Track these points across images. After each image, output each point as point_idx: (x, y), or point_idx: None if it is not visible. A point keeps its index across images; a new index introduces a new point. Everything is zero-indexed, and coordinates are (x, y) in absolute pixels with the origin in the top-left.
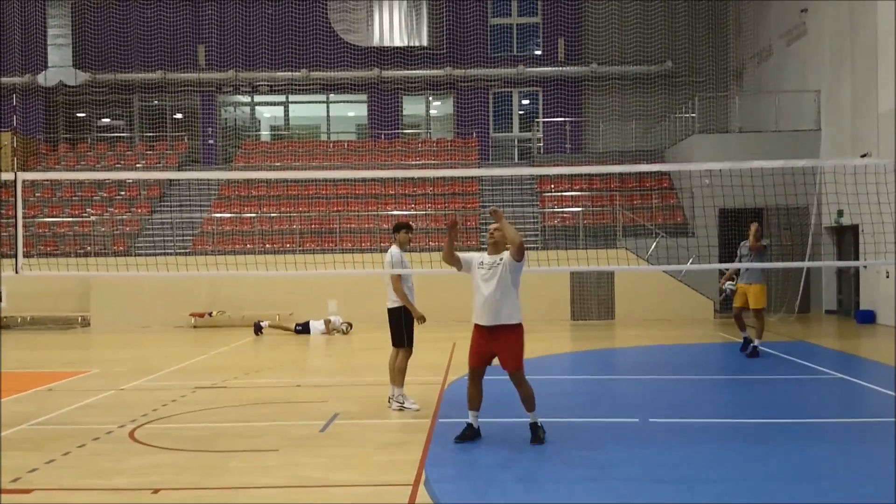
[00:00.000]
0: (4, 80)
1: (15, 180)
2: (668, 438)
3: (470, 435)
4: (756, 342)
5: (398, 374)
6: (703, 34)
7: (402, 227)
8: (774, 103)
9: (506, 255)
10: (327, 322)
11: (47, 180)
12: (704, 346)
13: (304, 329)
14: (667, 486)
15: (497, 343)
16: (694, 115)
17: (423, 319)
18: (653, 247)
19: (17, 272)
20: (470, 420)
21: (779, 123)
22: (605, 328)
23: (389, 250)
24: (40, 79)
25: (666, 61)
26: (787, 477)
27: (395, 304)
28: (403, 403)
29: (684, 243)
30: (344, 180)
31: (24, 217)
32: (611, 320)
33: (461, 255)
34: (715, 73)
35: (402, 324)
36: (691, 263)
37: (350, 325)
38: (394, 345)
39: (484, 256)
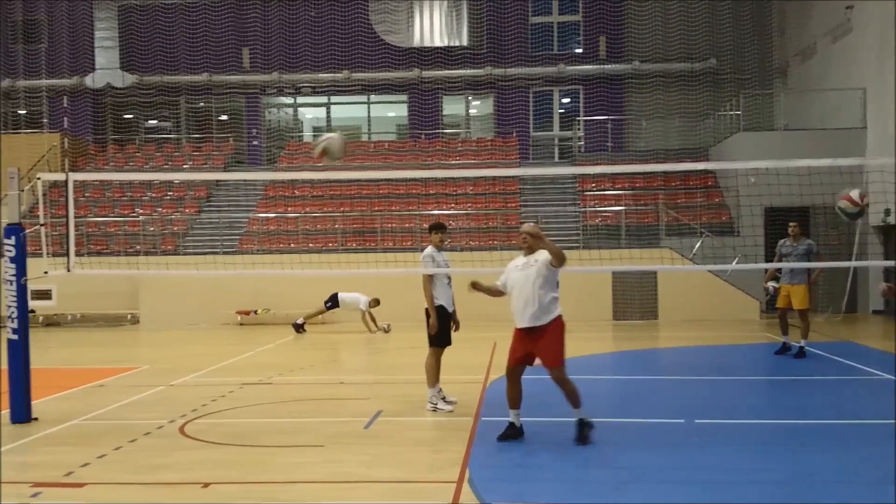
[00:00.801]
0: (54, 82)
1: (66, 180)
2: (714, 440)
3: (512, 434)
4: (802, 343)
5: (429, 374)
6: (747, 31)
7: (435, 227)
8: (819, 101)
9: (541, 255)
10: (373, 302)
11: (97, 181)
12: (750, 347)
13: (333, 303)
14: (712, 488)
15: (536, 343)
16: (738, 112)
17: (434, 328)
18: (697, 246)
19: (68, 270)
20: (511, 419)
21: (824, 121)
22: (647, 328)
23: (425, 250)
24: (88, 81)
25: (710, 58)
26: (833, 479)
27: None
28: (437, 405)
29: (730, 242)
30: (385, 180)
31: (74, 217)
32: (654, 320)
33: (498, 283)
34: (759, 71)
35: (439, 323)
36: (736, 263)
37: (389, 325)
38: (430, 345)
39: (518, 260)
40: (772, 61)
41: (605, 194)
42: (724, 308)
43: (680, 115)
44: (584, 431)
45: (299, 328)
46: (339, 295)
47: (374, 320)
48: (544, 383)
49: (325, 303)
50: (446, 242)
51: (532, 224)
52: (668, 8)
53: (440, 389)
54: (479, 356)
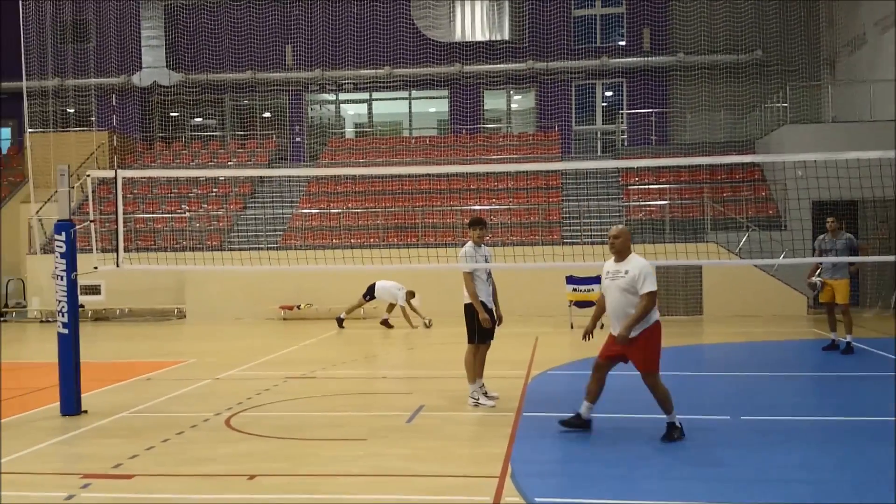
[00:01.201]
0: (102, 80)
1: (115, 177)
2: (760, 437)
3: (577, 424)
4: (848, 338)
5: (469, 369)
6: (794, 22)
7: (474, 223)
8: (869, 92)
9: (631, 268)
10: (409, 294)
11: (145, 178)
12: (797, 343)
13: (370, 294)
14: (758, 486)
15: (629, 348)
16: (785, 104)
17: (487, 322)
18: (743, 240)
19: (117, 266)
20: (582, 410)
21: (873, 113)
22: (693, 324)
23: (464, 246)
24: (135, 79)
25: (756, 50)
26: (881, 478)
27: (469, 300)
28: (479, 400)
29: (777, 237)
30: (426, 176)
31: (122, 213)
32: (699, 316)
33: (600, 292)
34: (807, 62)
35: (475, 320)
36: (784, 257)
37: (431, 321)
38: (469, 341)
39: (610, 264)
40: (819, 52)
41: (649, 188)
42: (770, 303)
43: (725, 107)
44: (671, 433)
45: (341, 323)
46: (376, 285)
47: (417, 313)
48: (606, 380)
49: (364, 295)
50: (487, 238)
51: (620, 227)
52: None
53: (482, 385)
54: (520, 352)
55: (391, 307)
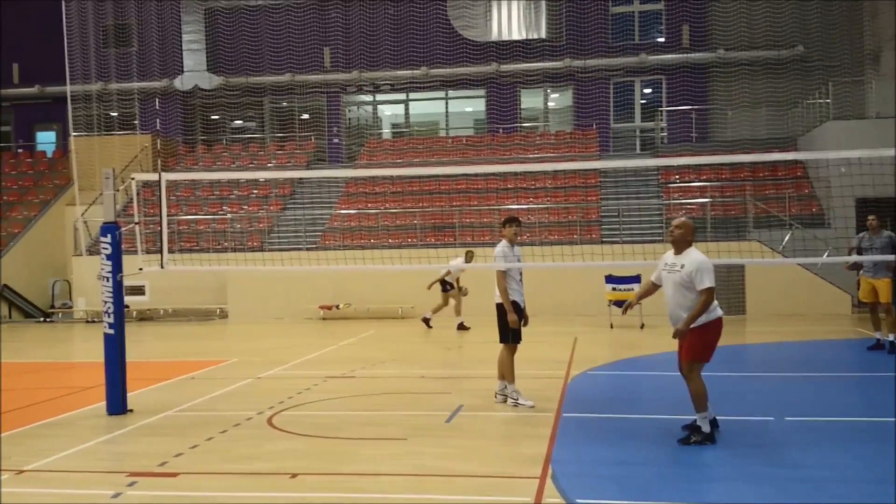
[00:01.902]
0: (145, 84)
1: (159, 180)
2: (804, 437)
3: (697, 439)
4: (891, 337)
5: (507, 370)
6: (836, 16)
7: (509, 221)
8: None
9: (688, 262)
10: (469, 255)
11: (187, 180)
12: (841, 343)
13: (448, 286)
14: (802, 486)
15: (682, 340)
16: (828, 100)
17: (515, 323)
18: (786, 238)
19: (162, 267)
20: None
21: None
22: (735, 323)
23: (497, 245)
24: (177, 83)
25: (797, 45)
26: None
27: (501, 300)
28: (518, 400)
29: (820, 234)
30: (463, 175)
31: (166, 215)
32: (741, 315)
33: (652, 277)
34: (850, 57)
35: (507, 320)
36: (827, 256)
37: (466, 289)
38: (500, 340)
39: (668, 255)
40: (863, 47)
41: (689, 186)
42: (814, 302)
43: (767, 104)
44: (689, 437)
45: (428, 322)
46: (450, 267)
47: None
48: (646, 378)
49: (443, 290)
50: (525, 237)
51: (684, 219)
52: None
53: (505, 386)
54: (559, 351)
55: (440, 307)
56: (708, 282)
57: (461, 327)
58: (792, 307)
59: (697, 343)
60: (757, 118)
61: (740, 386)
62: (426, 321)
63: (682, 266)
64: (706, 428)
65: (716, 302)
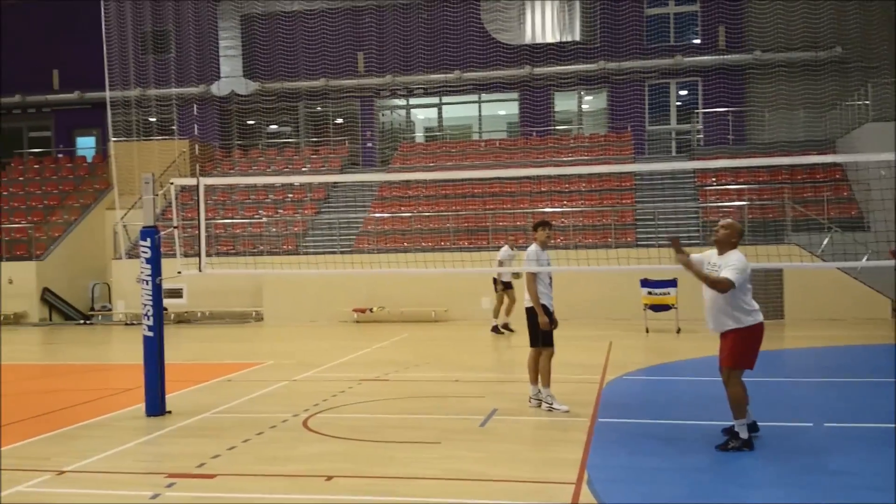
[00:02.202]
0: (182, 90)
1: (197, 185)
2: (843, 444)
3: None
4: None
5: (544, 375)
6: (875, 16)
7: (540, 224)
8: None
9: (725, 263)
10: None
11: (224, 184)
12: (880, 348)
13: (503, 285)
14: (840, 493)
15: (721, 343)
16: (867, 102)
17: (546, 325)
18: (825, 242)
19: (200, 270)
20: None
21: None
22: (773, 328)
23: (528, 248)
24: (214, 88)
25: (835, 46)
26: None
27: (531, 304)
28: (552, 405)
29: (860, 238)
30: (496, 179)
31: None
32: (780, 320)
33: (695, 256)
34: (889, 58)
35: (537, 324)
36: (867, 260)
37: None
38: (530, 344)
39: (713, 255)
40: None
41: (726, 189)
42: (853, 307)
43: (805, 105)
44: (728, 443)
45: (499, 329)
46: (499, 258)
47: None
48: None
49: (496, 288)
50: (559, 241)
51: (731, 220)
52: None
53: (539, 391)
54: (594, 356)
55: (504, 307)
56: (731, 274)
57: (496, 330)
58: (831, 311)
59: (736, 348)
60: (795, 120)
61: (778, 391)
62: (496, 329)
63: (720, 267)
64: (744, 434)
65: (756, 306)
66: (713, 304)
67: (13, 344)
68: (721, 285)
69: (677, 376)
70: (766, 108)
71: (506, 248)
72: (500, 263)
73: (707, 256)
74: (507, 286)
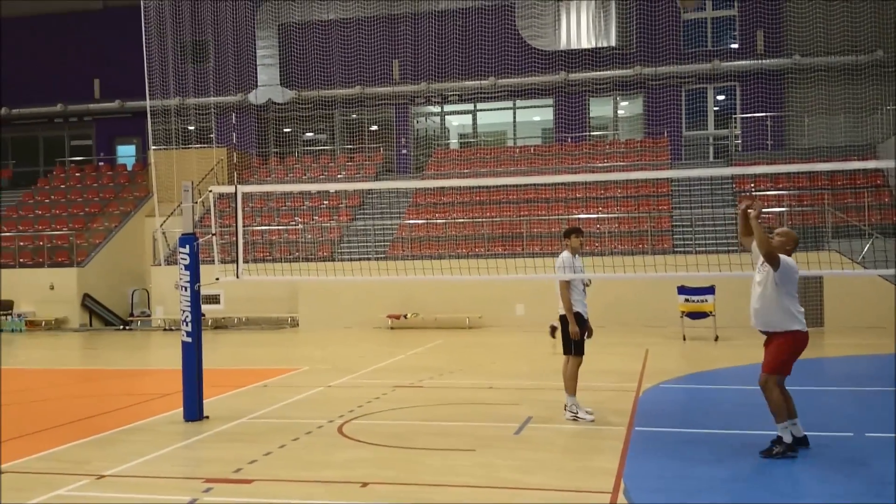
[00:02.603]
0: (220, 99)
1: (235, 192)
2: (886, 454)
3: (786, 450)
4: None
5: (569, 382)
6: None
7: (572, 231)
8: None
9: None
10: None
11: (261, 192)
12: None
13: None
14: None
15: (766, 349)
16: None
17: (576, 335)
18: (866, 248)
19: (237, 277)
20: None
21: None
22: (813, 336)
23: (560, 255)
24: (251, 97)
25: (876, 50)
26: None
27: (565, 311)
28: (577, 413)
29: None
30: (531, 185)
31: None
32: (820, 328)
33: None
34: None
35: (577, 330)
36: None
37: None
38: (563, 352)
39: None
40: None
41: (764, 195)
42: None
43: (845, 110)
44: (772, 449)
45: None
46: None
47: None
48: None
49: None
50: (595, 247)
51: (787, 229)
52: None
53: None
54: (630, 363)
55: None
56: (776, 265)
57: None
58: (872, 319)
59: (777, 353)
60: (834, 125)
61: (819, 400)
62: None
63: (765, 265)
64: (787, 438)
65: (802, 315)
66: (762, 300)
67: (54, 349)
68: (770, 248)
69: (715, 385)
70: (805, 112)
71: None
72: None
73: (757, 256)
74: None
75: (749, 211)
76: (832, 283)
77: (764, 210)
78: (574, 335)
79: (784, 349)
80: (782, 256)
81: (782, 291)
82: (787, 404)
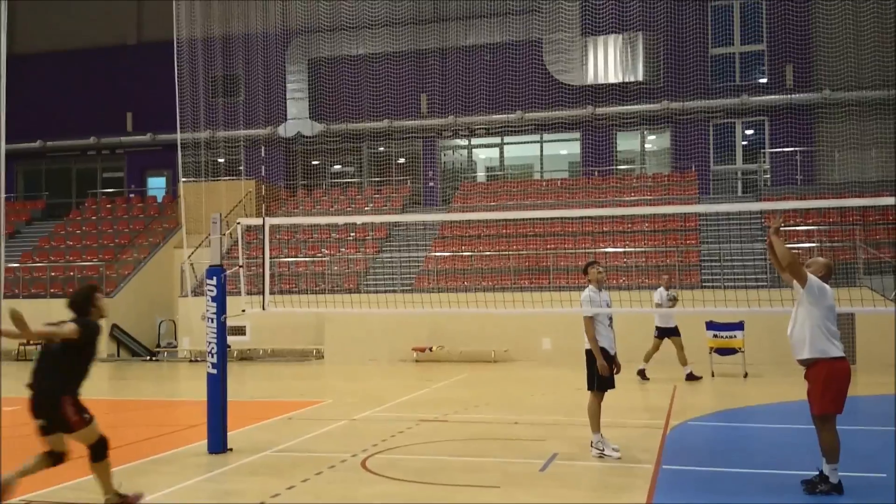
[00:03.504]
0: (250, 132)
1: (263, 224)
2: None
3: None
4: None
5: (592, 420)
6: None
7: (590, 265)
8: None
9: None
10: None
11: (289, 224)
12: None
13: (664, 334)
14: None
15: (807, 380)
16: None
17: (606, 369)
18: None
19: (263, 308)
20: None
21: None
22: None
23: (584, 291)
24: (281, 130)
25: None
26: None
27: (590, 346)
28: (604, 451)
29: None
30: (558, 218)
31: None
32: (852, 365)
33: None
34: None
35: (594, 367)
36: None
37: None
38: (587, 388)
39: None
40: None
41: (795, 230)
42: None
43: (877, 144)
44: (816, 485)
45: (644, 373)
46: (656, 301)
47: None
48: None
49: (658, 335)
50: (621, 281)
51: (820, 258)
52: (860, 32)
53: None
54: (658, 399)
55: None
56: (805, 280)
57: (691, 377)
58: None
59: (819, 389)
60: (866, 160)
61: (851, 440)
62: (641, 373)
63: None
64: (834, 479)
65: (836, 337)
66: (794, 322)
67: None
68: (792, 259)
69: (745, 423)
70: (835, 147)
71: (661, 289)
72: (658, 307)
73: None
74: (666, 333)
75: (769, 227)
76: (864, 320)
77: (794, 246)
78: (603, 370)
79: (821, 380)
80: (812, 276)
81: (815, 313)
82: (825, 444)
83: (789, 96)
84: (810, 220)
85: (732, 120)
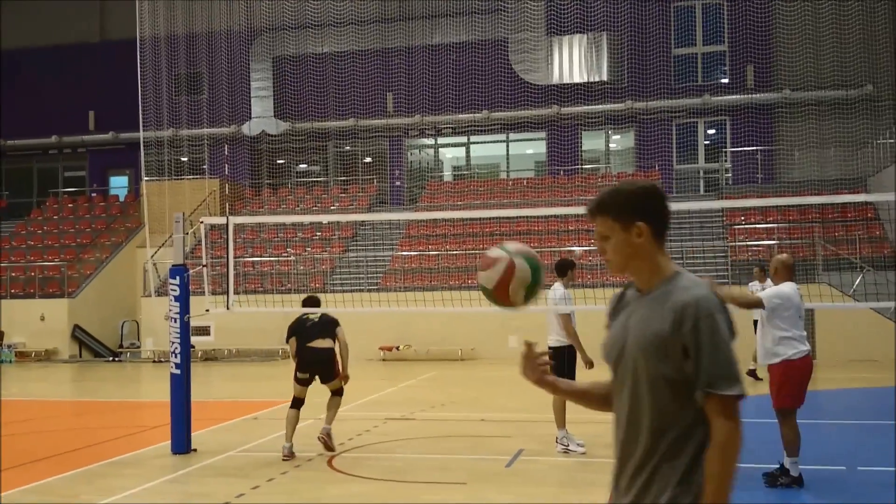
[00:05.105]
0: (214, 130)
1: (227, 224)
2: (878, 488)
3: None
4: None
5: (557, 415)
6: None
7: (568, 265)
8: None
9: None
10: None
11: (253, 223)
12: None
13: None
14: None
15: (770, 378)
16: None
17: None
18: (857, 281)
19: (228, 308)
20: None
21: None
22: None
23: (553, 287)
24: (245, 129)
25: (866, 84)
26: None
27: (558, 343)
28: (568, 446)
29: (893, 277)
30: (524, 217)
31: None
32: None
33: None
34: None
35: (564, 364)
36: None
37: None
38: None
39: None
40: None
41: (755, 228)
42: (887, 347)
43: (836, 144)
44: (775, 477)
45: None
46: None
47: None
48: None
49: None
50: (586, 279)
51: (785, 256)
52: (821, 33)
53: (565, 434)
54: None
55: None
56: (764, 295)
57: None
58: (864, 352)
59: (778, 387)
60: (825, 158)
61: (810, 433)
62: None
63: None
64: (795, 472)
65: (800, 338)
66: (762, 334)
67: (44, 381)
68: (750, 302)
69: None
70: (795, 146)
71: (755, 283)
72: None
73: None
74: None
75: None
76: (823, 316)
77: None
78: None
79: (783, 380)
80: (768, 291)
81: (771, 322)
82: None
83: (750, 96)
84: (770, 218)
85: (695, 119)
